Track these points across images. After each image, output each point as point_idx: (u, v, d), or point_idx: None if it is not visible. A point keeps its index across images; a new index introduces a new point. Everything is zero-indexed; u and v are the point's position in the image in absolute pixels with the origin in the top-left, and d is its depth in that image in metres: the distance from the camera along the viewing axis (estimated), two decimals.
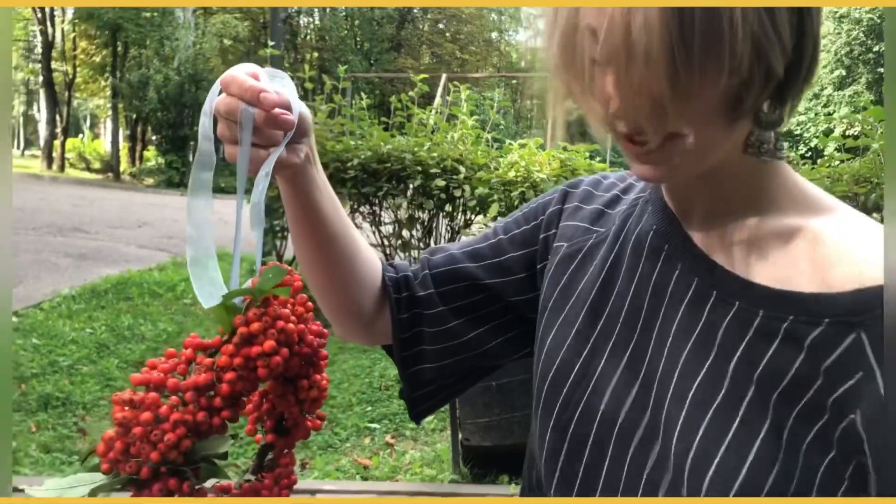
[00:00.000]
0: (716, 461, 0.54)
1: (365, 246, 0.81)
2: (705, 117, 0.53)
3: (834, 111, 21.99)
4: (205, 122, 0.60)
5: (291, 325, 0.57)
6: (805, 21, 0.52)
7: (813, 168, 4.01)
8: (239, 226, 0.60)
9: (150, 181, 19.57)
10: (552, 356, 0.70)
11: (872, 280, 0.52)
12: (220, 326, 0.57)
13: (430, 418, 3.54)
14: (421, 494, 2.69)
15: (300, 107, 0.65)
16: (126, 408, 0.53)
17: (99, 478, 0.54)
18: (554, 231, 0.78)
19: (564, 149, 4.75)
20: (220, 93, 0.62)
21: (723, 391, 0.56)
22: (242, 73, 0.61)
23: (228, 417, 0.55)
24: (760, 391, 0.55)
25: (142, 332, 4.64)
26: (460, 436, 2.86)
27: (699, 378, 0.58)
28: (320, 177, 0.73)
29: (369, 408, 3.68)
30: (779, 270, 0.57)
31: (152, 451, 0.52)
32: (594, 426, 0.64)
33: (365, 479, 2.91)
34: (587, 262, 0.72)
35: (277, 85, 0.63)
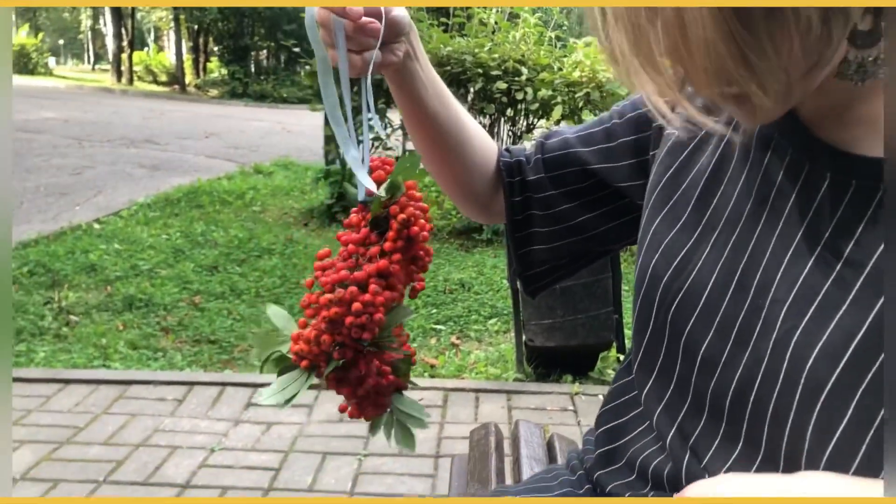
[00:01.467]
0: (820, 343, 0.52)
1: (479, 133, 0.84)
2: (789, 70, 0.48)
3: None
4: (312, 36, 0.67)
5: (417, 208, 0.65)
6: None
7: None
8: (351, 125, 0.67)
9: (214, 92, 19.79)
10: (655, 244, 0.68)
11: None
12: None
13: (493, 320, 3.60)
14: (486, 392, 2.78)
15: (395, 9, 0.69)
16: (333, 307, 0.60)
17: (298, 374, 0.62)
18: None
19: None
20: None
21: (832, 277, 0.53)
22: None
23: (401, 291, 0.64)
24: (872, 272, 0.51)
25: (214, 239, 4.81)
26: (524, 337, 2.90)
27: (808, 266, 0.55)
28: (425, 72, 0.77)
29: (434, 310, 3.76)
30: None
31: (364, 333, 0.60)
32: (694, 314, 0.62)
33: (432, 377, 3.01)
34: (699, 150, 0.69)
35: None
